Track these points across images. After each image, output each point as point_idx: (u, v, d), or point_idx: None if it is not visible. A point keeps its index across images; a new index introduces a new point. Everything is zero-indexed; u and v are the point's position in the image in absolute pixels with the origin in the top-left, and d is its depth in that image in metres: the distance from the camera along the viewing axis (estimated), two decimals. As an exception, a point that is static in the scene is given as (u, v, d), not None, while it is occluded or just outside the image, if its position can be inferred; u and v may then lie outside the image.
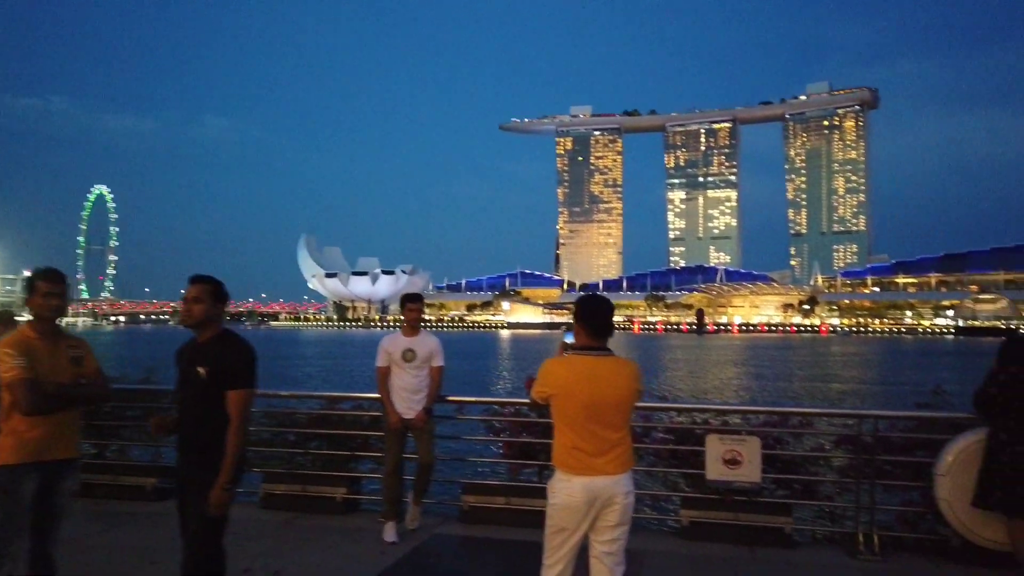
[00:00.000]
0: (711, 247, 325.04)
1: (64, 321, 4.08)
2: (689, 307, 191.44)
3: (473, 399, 6.78)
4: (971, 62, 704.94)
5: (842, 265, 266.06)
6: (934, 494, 5.16)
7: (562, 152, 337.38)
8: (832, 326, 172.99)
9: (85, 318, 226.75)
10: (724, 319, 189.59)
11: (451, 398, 6.57)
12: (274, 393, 7.44)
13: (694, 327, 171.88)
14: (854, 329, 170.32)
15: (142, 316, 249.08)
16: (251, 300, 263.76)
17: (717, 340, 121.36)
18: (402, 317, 6.27)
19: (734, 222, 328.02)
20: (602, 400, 3.41)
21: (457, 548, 5.88)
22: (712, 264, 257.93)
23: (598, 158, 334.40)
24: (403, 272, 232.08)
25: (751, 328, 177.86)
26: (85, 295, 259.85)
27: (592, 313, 3.57)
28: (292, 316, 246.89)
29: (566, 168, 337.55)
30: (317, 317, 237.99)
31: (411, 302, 6.21)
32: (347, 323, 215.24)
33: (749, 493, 5.68)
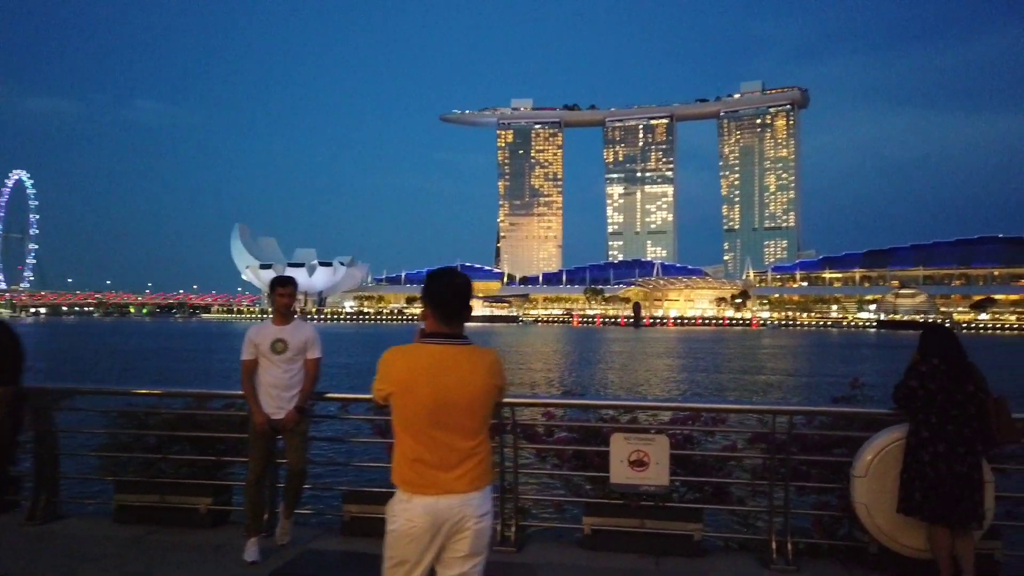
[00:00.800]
0: (648, 241, 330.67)
1: None
2: (627, 300, 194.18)
3: (357, 396, 5.95)
4: (897, 62, 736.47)
5: (773, 260, 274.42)
6: (851, 497, 4.79)
7: (503, 145, 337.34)
8: (763, 319, 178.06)
9: (2, 309, 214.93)
10: (660, 312, 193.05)
11: (331, 395, 5.82)
12: (126, 391, 6.52)
13: (631, 320, 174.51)
14: (783, 323, 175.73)
15: (64, 308, 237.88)
16: (182, 291, 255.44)
17: (653, 333, 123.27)
18: (274, 303, 5.52)
19: (670, 217, 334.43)
20: (449, 399, 2.78)
21: (333, 564, 5.23)
22: (649, 258, 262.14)
23: (539, 151, 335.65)
24: (341, 264, 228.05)
25: (686, 321, 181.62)
26: (2, 285, 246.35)
27: (440, 291, 2.90)
28: (225, 308, 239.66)
29: (507, 161, 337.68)
30: (251, 309, 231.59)
31: (281, 286, 5.54)
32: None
33: (656, 497, 5.22)
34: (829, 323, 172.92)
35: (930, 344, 4.69)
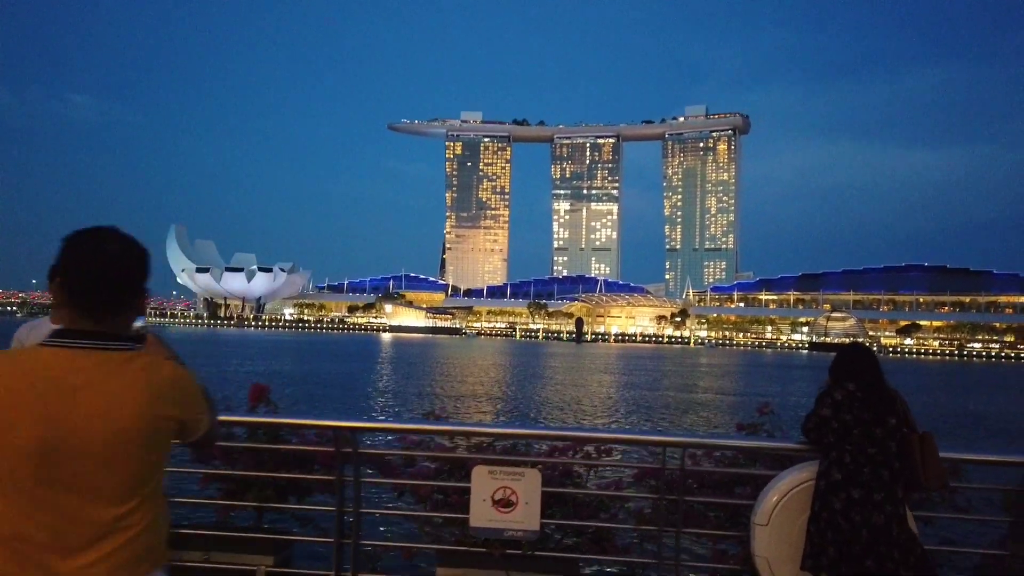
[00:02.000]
0: (592, 258, 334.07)
1: None
2: (570, 316, 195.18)
3: None
4: (831, 94, 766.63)
5: (712, 280, 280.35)
6: (751, 549, 4.03)
7: (451, 156, 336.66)
8: (701, 338, 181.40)
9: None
10: (602, 328, 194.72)
11: None
12: None
13: (572, 336, 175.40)
14: (721, 342, 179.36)
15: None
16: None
17: (594, 349, 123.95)
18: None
19: (615, 235, 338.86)
20: (69, 440, 1.72)
21: None
22: (593, 275, 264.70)
23: (487, 164, 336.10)
24: (281, 270, 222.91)
25: (627, 338, 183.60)
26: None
27: (82, 263, 1.85)
28: (157, 312, 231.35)
29: (455, 172, 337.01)
30: (185, 314, 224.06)
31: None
32: (219, 322, 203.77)
33: (525, 544, 4.37)
34: (764, 344, 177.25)
35: (845, 367, 4.02)
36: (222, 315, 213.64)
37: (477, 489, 4.34)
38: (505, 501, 4.30)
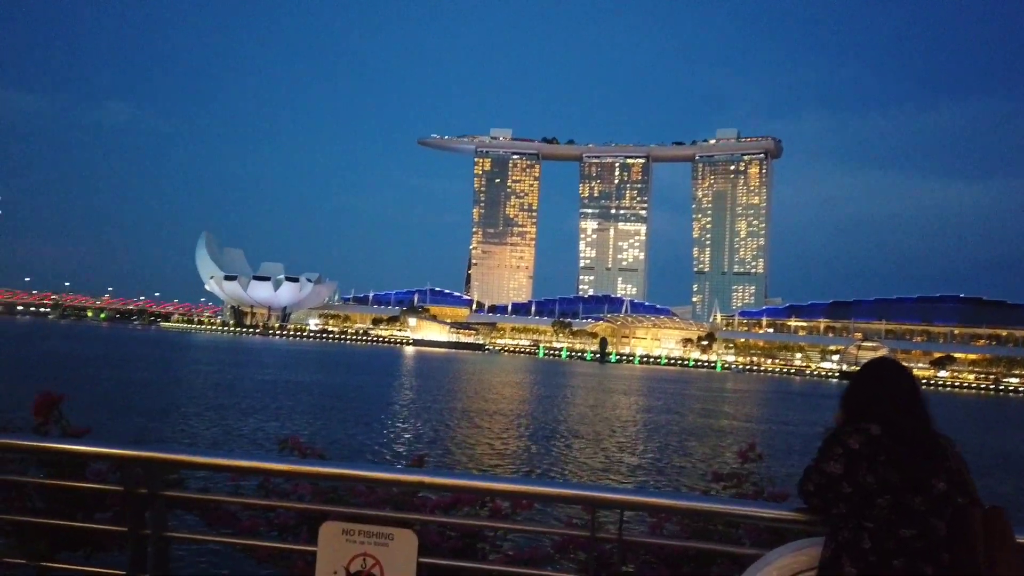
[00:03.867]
0: (619, 278, 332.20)
1: None
2: (594, 335, 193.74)
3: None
4: (864, 124, 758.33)
5: (740, 305, 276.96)
6: None
7: (480, 172, 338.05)
8: (727, 363, 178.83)
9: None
10: (627, 349, 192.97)
11: None
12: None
13: (596, 355, 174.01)
14: (748, 367, 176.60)
15: (19, 307, 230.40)
16: (143, 298, 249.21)
17: (618, 370, 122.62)
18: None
19: (642, 255, 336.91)
20: None
21: None
22: (619, 295, 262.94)
23: (515, 181, 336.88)
24: (308, 280, 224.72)
25: (652, 360, 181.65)
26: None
27: None
28: (186, 318, 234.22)
29: (483, 189, 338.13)
30: (212, 321, 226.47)
31: None
32: (244, 329, 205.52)
33: None
34: (792, 371, 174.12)
35: (864, 397, 2.72)
36: (248, 323, 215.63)
37: (325, 556, 3.06)
38: (364, 573, 3.04)
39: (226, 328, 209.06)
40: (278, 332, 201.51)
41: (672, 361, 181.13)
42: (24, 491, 3.52)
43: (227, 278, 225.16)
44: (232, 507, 3.47)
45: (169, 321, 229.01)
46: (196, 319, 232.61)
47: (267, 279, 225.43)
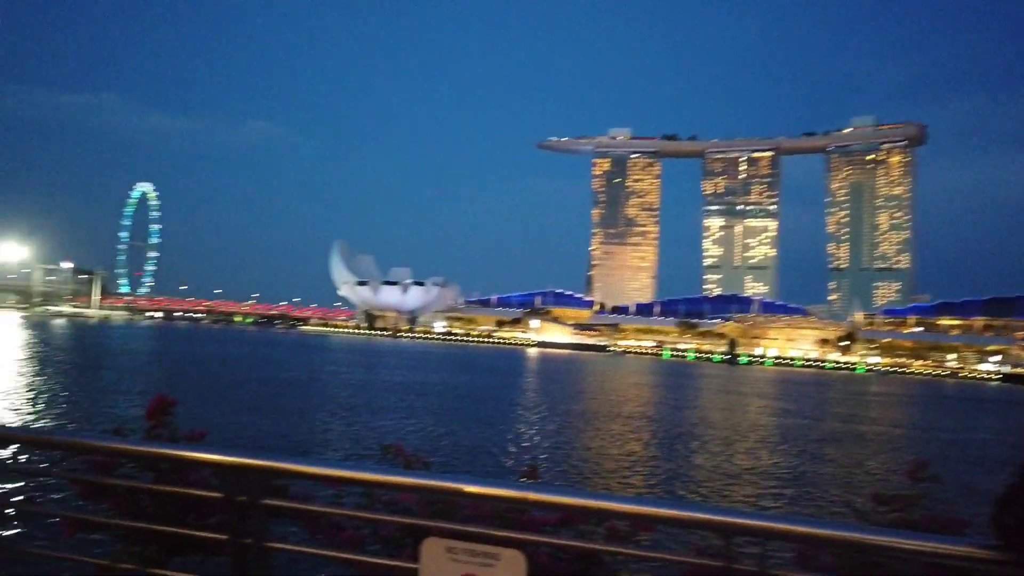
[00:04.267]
0: (747, 276, 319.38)
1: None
2: (722, 336, 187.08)
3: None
4: (1021, 103, 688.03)
5: (883, 302, 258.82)
6: None
7: (599, 173, 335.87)
8: (870, 364, 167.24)
9: (122, 312, 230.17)
10: (759, 350, 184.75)
11: None
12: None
13: (725, 357, 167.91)
14: (893, 369, 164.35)
15: (177, 313, 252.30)
16: (284, 303, 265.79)
17: (749, 372, 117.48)
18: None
19: (772, 252, 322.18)
20: None
21: None
22: (748, 294, 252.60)
23: (635, 181, 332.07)
24: (434, 284, 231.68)
25: (786, 361, 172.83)
26: (126, 290, 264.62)
27: None
28: (322, 322, 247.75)
29: (602, 189, 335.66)
30: (346, 324, 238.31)
31: None
32: (376, 332, 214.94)
33: None
34: (945, 373, 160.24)
35: None
36: (379, 326, 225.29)
37: (428, 573, 2.84)
38: None
39: (359, 331, 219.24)
40: (407, 334, 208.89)
41: (808, 363, 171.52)
42: (135, 495, 3.46)
43: (359, 283, 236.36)
44: (334, 517, 3.34)
45: (307, 324, 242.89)
46: (332, 323, 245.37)
47: (396, 284, 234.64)
